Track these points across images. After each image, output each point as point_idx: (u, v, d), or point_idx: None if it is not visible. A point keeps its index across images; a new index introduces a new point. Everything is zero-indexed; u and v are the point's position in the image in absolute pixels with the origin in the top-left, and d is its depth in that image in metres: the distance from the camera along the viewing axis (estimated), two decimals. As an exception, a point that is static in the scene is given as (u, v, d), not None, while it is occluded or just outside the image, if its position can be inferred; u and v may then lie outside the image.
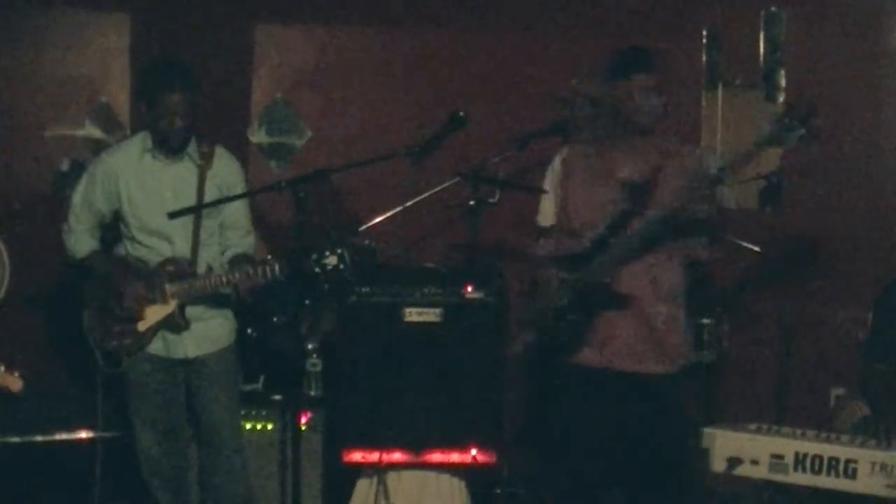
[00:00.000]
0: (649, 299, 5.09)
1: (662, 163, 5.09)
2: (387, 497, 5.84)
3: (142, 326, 5.47)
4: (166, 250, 5.47)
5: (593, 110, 6.30)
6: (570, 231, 5.27)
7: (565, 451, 5.38)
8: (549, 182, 6.56)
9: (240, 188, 5.54)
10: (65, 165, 7.12)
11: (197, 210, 5.39)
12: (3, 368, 4.47)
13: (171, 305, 5.44)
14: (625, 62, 5.16)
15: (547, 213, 6.54)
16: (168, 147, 5.43)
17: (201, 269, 5.47)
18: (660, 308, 5.11)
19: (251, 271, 5.27)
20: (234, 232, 5.58)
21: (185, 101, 5.35)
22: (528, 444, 6.65)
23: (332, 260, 4.99)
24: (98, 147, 6.99)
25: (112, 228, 5.65)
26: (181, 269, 5.44)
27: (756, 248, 6.09)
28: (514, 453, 6.38)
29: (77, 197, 5.58)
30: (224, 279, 5.35)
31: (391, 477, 5.89)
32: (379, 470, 5.86)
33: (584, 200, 5.23)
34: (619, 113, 5.13)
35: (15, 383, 4.48)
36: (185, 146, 5.45)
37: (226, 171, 5.54)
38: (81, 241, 5.58)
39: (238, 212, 5.57)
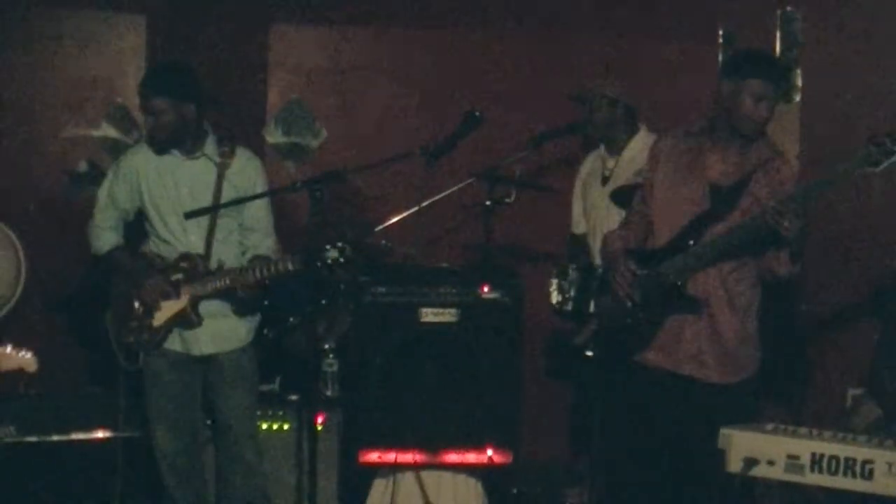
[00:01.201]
0: (721, 308, 4.98)
1: (756, 171, 4.93)
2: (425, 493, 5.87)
3: (156, 321, 5.51)
4: (182, 246, 5.50)
5: (610, 110, 6.30)
6: (650, 224, 5.15)
7: (614, 449, 5.35)
8: (577, 189, 6.57)
9: (259, 189, 5.56)
10: (83, 166, 7.14)
11: (212, 210, 5.42)
12: (16, 351, 4.49)
13: (184, 301, 5.47)
14: (743, 62, 5.00)
15: (580, 222, 6.56)
16: (151, 146, 5.48)
17: (214, 265, 5.49)
18: (730, 318, 4.99)
19: (259, 270, 5.31)
20: (254, 233, 5.60)
21: (159, 105, 5.39)
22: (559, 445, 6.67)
23: (332, 254, 5.03)
24: (115, 147, 7.02)
25: (139, 226, 5.69)
26: (194, 266, 5.47)
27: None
28: (530, 453, 6.39)
29: (102, 194, 5.66)
30: (234, 277, 5.37)
31: (407, 477, 5.90)
32: (400, 470, 5.88)
33: (668, 197, 5.08)
34: (726, 113, 4.95)
35: (30, 364, 4.51)
36: (171, 146, 5.47)
37: (245, 172, 5.56)
38: (105, 237, 5.63)
39: (258, 213, 5.59)
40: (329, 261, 5.05)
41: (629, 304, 5.08)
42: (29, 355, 4.50)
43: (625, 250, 5.16)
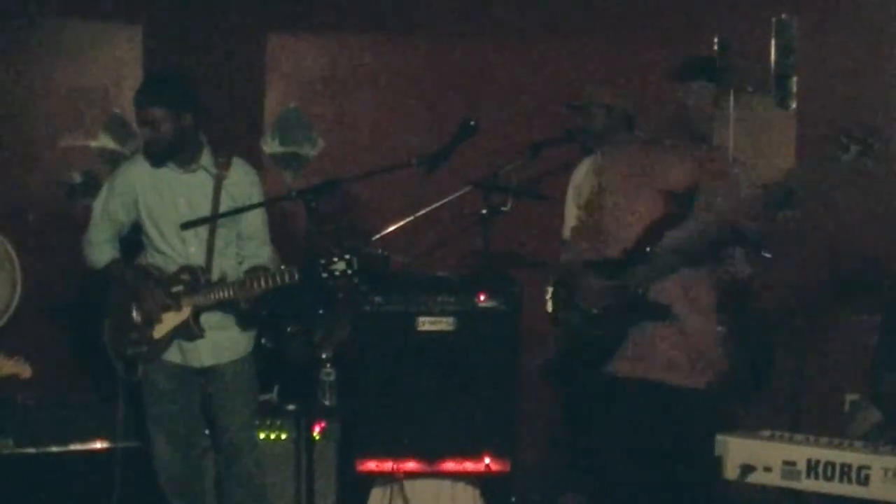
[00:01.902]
0: (685, 311, 4.99)
1: (707, 174, 5.00)
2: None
3: (157, 333, 5.50)
4: (181, 258, 5.50)
5: (607, 118, 6.31)
6: (601, 235, 5.17)
7: (594, 461, 5.34)
8: (571, 195, 6.57)
9: (255, 199, 5.55)
10: (77, 177, 7.14)
11: (209, 221, 5.41)
12: (9, 357, 4.50)
13: (186, 313, 5.47)
14: (690, 67, 5.09)
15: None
16: (147, 157, 5.47)
17: (216, 277, 5.49)
18: (696, 320, 5.01)
19: (262, 281, 5.30)
20: (250, 242, 5.60)
21: (157, 115, 5.37)
22: (556, 453, 6.66)
23: (340, 265, 5.01)
24: (112, 158, 7.02)
25: (134, 239, 5.68)
26: (196, 278, 5.47)
27: (767, 255, 6.08)
28: (528, 461, 6.39)
29: (97, 208, 5.63)
30: (236, 288, 5.37)
31: (405, 486, 5.91)
32: (394, 479, 5.88)
33: (621, 206, 5.12)
34: (676, 117, 5.05)
35: (24, 370, 4.51)
36: (169, 157, 5.46)
37: (242, 182, 5.56)
38: (101, 251, 5.61)
39: (254, 222, 5.59)
40: (337, 273, 5.06)
41: (596, 316, 5.07)
42: (23, 361, 4.51)
43: (584, 263, 5.16)
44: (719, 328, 5.16)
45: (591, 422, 5.33)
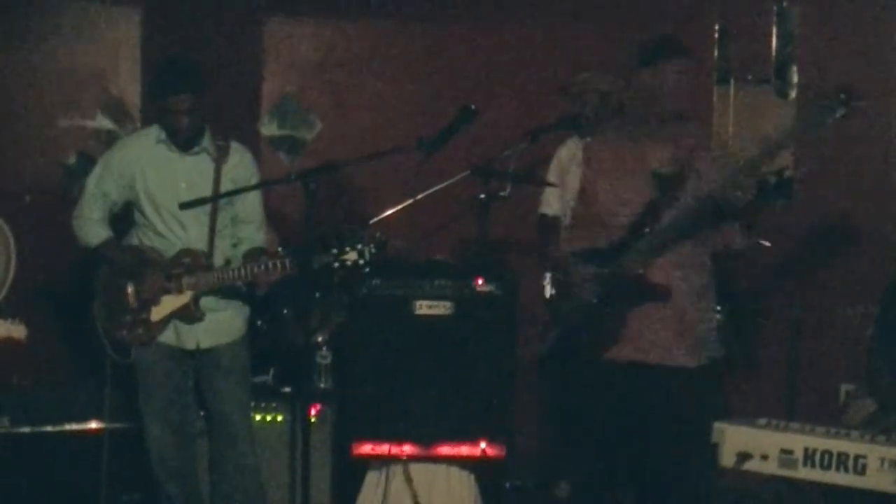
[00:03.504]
0: (680, 293, 5.00)
1: (695, 150, 5.03)
2: (412, 487, 5.87)
3: (155, 316, 5.49)
4: (180, 241, 5.49)
5: (603, 103, 6.30)
6: (596, 224, 5.17)
7: (590, 447, 5.34)
8: (554, 173, 6.57)
9: (253, 182, 5.55)
10: (72, 158, 7.13)
11: (208, 201, 5.40)
12: (4, 321, 4.48)
13: (187, 296, 5.45)
14: (659, 47, 5.08)
15: (551, 202, 6.56)
16: (175, 143, 5.45)
17: (218, 261, 5.48)
18: (691, 301, 5.02)
19: (269, 265, 5.28)
20: (247, 226, 5.59)
21: (189, 101, 5.37)
22: (550, 440, 6.66)
23: (352, 256, 5.03)
24: (108, 139, 7.01)
25: (120, 219, 5.66)
26: (198, 261, 5.46)
27: (766, 243, 6.08)
28: (523, 447, 6.39)
29: (90, 184, 5.60)
30: (241, 272, 5.36)
31: (401, 470, 5.90)
32: (393, 462, 5.88)
33: (613, 192, 5.12)
34: (653, 99, 5.04)
35: (19, 331, 4.50)
36: (194, 142, 5.46)
37: (241, 166, 5.55)
38: (95, 229, 5.58)
39: (251, 206, 5.58)
40: (349, 263, 5.06)
41: (594, 302, 5.08)
42: (17, 322, 4.49)
43: (578, 252, 5.17)
44: (713, 311, 5.20)
45: (588, 407, 5.32)
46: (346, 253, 5.04)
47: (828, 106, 4.56)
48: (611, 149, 5.20)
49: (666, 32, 5.31)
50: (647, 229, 4.97)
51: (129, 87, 7.22)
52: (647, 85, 5.04)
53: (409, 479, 5.87)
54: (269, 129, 7.46)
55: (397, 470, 5.92)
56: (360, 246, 5.04)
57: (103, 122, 7.18)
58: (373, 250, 5.11)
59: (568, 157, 6.54)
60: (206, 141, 5.51)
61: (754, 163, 4.75)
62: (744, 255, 5.21)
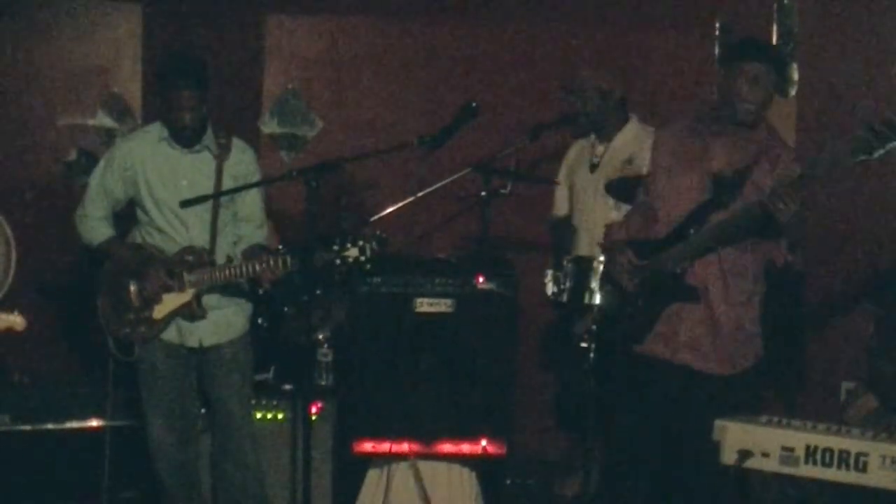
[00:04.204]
0: (718, 298, 4.96)
1: (758, 158, 4.93)
2: (421, 484, 5.87)
3: (157, 314, 5.49)
4: (182, 238, 5.48)
5: (602, 101, 6.30)
6: (652, 213, 5.14)
7: (612, 440, 5.35)
8: (562, 173, 6.57)
9: (254, 179, 5.55)
10: (72, 155, 7.13)
11: (208, 199, 5.39)
12: (3, 312, 4.48)
13: (189, 294, 5.45)
14: (736, 48, 5.02)
15: (562, 204, 6.57)
16: (179, 140, 5.45)
17: (220, 258, 5.48)
18: (728, 309, 4.98)
19: (271, 262, 5.27)
20: (247, 223, 5.59)
21: (193, 98, 5.37)
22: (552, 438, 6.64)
23: (353, 252, 5.03)
24: (109, 137, 7.01)
25: (123, 217, 5.66)
26: (200, 259, 5.45)
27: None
28: (524, 445, 6.39)
29: (94, 182, 5.60)
30: (243, 270, 5.35)
31: (401, 468, 5.91)
32: (395, 460, 5.88)
33: (670, 185, 5.08)
34: (725, 100, 4.96)
35: (18, 322, 4.50)
36: (197, 138, 5.46)
37: (242, 163, 5.55)
38: (98, 227, 5.58)
39: (252, 203, 5.58)
40: (350, 259, 5.06)
41: (630, 293, 5.08)
42: (16, 313, 4.49)
43: (626, 241, 5.17)
44: (754, 321, 5.10)
45: (614, 398, 5.32)
46: (348, 249, 5.04)
47: (885, 135, 4.43)
48: (677, 142, 5.13)
49: (749, 34, 5.17)
50: (691, 230, 4.94)
51: (130, 84, 7.22)
52: (722, 85, 4.97)
53: (419, 478, 5.87)
54: (270, 125, 7.45)
55: (400, 467, 5.92)
56: (361, 242, 5.04)
57: (104, 120, 7.18)
58: (374, 247, 5.10)
59: (575, 158, 6.55)
60: (208, 138, 5.50)
61: (800, 180, 4.66)
62: (792, 272, 5.11)
